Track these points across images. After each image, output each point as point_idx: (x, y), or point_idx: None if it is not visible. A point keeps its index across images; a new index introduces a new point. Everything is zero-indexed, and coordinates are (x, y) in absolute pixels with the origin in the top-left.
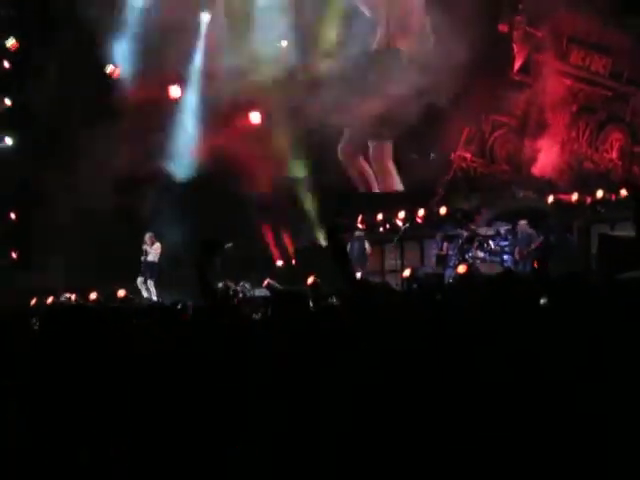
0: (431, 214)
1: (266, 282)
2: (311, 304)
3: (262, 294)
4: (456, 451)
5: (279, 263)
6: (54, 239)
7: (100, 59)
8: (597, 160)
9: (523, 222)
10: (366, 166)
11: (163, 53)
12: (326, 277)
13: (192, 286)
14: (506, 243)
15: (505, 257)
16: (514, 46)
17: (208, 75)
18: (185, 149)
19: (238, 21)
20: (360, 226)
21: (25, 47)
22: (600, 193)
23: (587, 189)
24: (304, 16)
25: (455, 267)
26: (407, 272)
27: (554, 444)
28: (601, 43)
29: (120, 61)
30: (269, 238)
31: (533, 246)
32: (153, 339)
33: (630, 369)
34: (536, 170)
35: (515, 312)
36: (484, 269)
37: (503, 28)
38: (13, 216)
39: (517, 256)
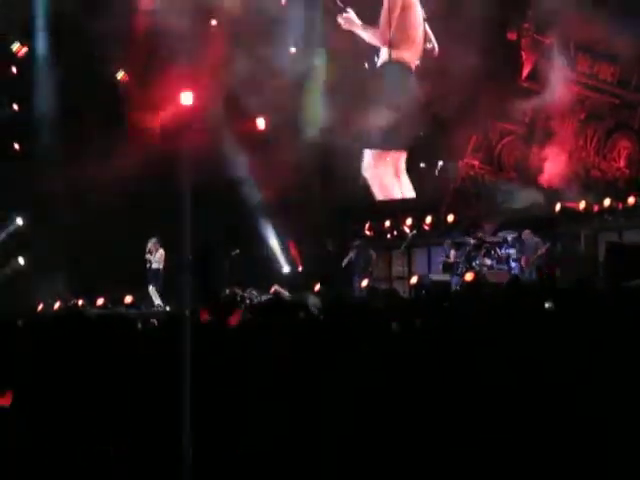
0: (438, 221)
1: (273, 289)
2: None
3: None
4: (459, 453)
5: (286, 270)
6: (61, 245)
7: (109, 65)
8: (604, 168)
9: (527, 231)
10: (383, 174)
11: (169, 60)
12: (333, 284)
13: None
14: (513, 251)
15: (512, 264)
16: (522, 53)
17: (215, 82)
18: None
19: (245, 28)
20: (367, 233)
21: (32, 52)
22: (607, 201)
23: (595, 197)
24: (313, 25)
25: (462, 274)
26: (414, 279)
27: (559, 448)
28: (609, 51)
29: (126, 67)
30: (276, 245)
31: (539, 253)
32: (157, 344)
33: (636, 375)
34: (544, 178)
35: (522, 319)
36: (491, 277)
37: (511, 36)
38: (20, 222)
39: (524, 264)
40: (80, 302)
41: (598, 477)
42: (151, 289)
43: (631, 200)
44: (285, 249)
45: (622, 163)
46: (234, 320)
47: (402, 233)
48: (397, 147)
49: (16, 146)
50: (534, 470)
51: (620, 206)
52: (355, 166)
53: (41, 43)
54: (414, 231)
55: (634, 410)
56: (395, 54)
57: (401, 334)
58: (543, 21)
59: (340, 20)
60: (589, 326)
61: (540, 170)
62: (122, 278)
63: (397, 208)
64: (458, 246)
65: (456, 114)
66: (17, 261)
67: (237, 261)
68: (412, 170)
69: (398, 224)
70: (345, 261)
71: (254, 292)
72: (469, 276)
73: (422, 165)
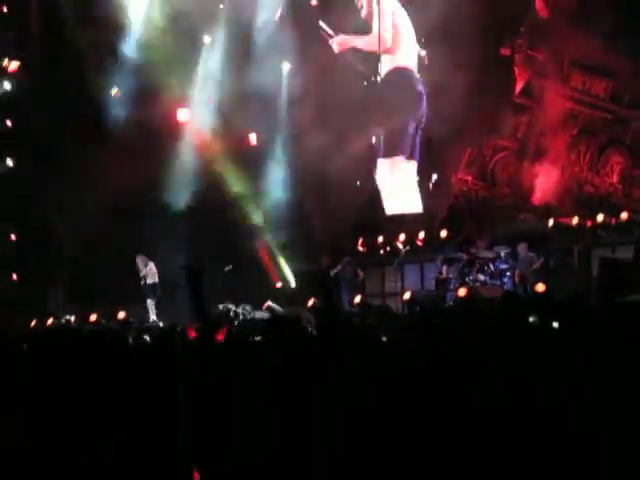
0: (432, 237)
1: (266, 304)
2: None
3: (262, 316)
4: (451, 470)
5: (279, 285)
6: (54, 260)
7: (101, 81)
8: (597, 184)
9: (523, 245)
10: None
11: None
12: (326, 299)
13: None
14: (506, 266)
15: (505, 280)
16: (515, 69)
17: (208, 98)
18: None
19: (239, 44)
20: (360, 248)
21: (26, 68)
22: (601, 217)
23: (588, 213)
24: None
25: (455, 290)
26: (407, 295)
27: (553, 465)
28: (602, 66)
29: (121, 84)
30: (268, 261)
31: (534, 268)
32: (149, 360)
33: (629, 391)
34: (537, 193)
35: (515, 335)
36: (484, 292)
37: (505, 51)
38: (13, 237)
39: (517, 279)
40: (73, 318)
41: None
42: (149, 303)
43: (624, 215)
44: (276, 264)
45: (615, 178)
46: (221, 336)
47: (395, 249)
48: (402, 154)
49: (9, 162)
50: None
51: (613, 221)
52: (355, 181)
53: (34, 58)
54: (407, 247)
55: (627, 427)
56: (396, 60)
57: (393, 351)
58: (536, 37)
59: (333, 45)
60: (583, 342)
61: (533, 186)
62: (115, 294)
63: (390, 223)
64: (451, 262)
65: (449, 129)
66: (10, 276)
67: (230, 277)
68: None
69: (391, 239)
70: (335, 270)
71: (247, 307)
72: (462, 292)
73: (417, 178)
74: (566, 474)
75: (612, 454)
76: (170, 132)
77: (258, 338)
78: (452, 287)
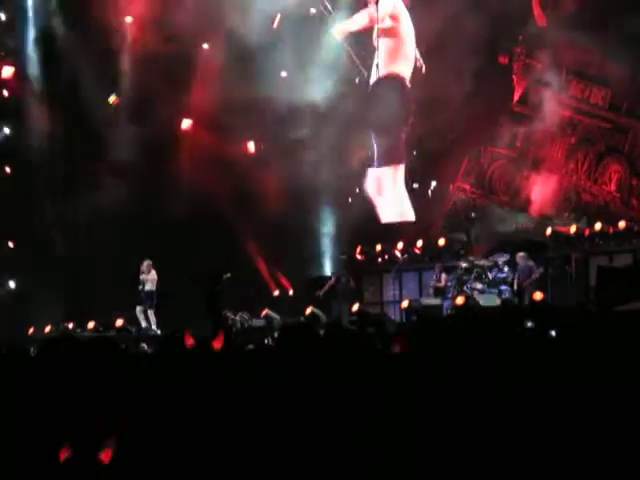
0: (430, 245)
1: (264, 312)
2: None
3: (260, 324)
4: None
5: (276, 293)
6: (52, 268)
7: (101, 89)
8: (596, 192)
9: (521, 254)
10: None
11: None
12: (323, 307)
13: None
14: (504, 274)
15: (503, 288)
16: (514, 77)
17: (208, 107)
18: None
19: (238, 52)
20: (359, 257)
21: (24, 76)
22: (598, 225)
23: (585, 221)
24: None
25: (453, 298)
26: (405, 303)
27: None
28: (600, 75)
29: (119, 92)
30: (265, 269)
31: (533, 277)
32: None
33: (628, 400)
34: (534, 202)
35: (514, 343)
36: (482, 300)
37: (503, 60)
38: (11, 245)
39: (515, 287)
40: (71, 325)
41: None
42: (139, 310)
43: (622, 224)
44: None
45: (613, 187)
46: (218, 343)
47: (393, 257)
48: (398, 162)
49: (7, 170)
50: None
51: (611, 230)
52: (351, 188)
53: (32, 65)
54: (405, 255)
55: (626, 437)
56: (389, 68)
57: (393, 358)
58: (535, 45)
59: (334, 31)
60: (582, 350)
61: (531, 194)
62: (113, 301)
63: (389, 231)
64: (449, 270)
65: (447, 137)
66: (8, 284)
67: (229, 285)
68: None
69: (390, 248)
70: (324, 289)
71: (245, 315)
72: (460, 300)
73: (415, 186)
74: None
75: (612, 466)
76: (171, 142)
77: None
78: (450, 295)
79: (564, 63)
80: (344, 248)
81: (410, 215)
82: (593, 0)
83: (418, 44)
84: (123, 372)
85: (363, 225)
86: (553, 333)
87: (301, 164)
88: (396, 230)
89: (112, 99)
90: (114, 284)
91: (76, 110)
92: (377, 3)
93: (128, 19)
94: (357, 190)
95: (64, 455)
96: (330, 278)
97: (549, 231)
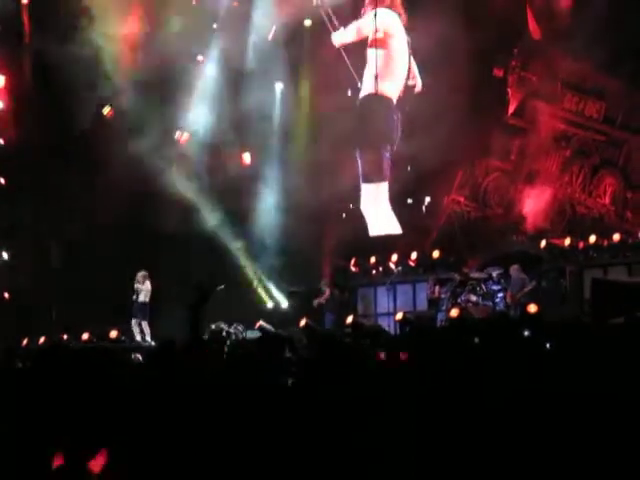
0: (424, 257)
1: (258, 324)
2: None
3: (254, 336)
4: None
5: (269, 305)
6: (46, 279)
7: (96, 100)
8: (590, 205)
9: (515, 266)
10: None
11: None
12: (317, 319)
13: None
14: (498, 287)
15: (497, 301)
16: (509, 90)
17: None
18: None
19: (232, 64)
20: (353, 269)
21: (19, 86)
22: (593, 238)
23: (580, 234)
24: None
25: (447, 310)
26: (399, 315)
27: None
28: (595, 88)
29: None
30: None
31: (525, 290)
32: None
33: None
34: (529, 215)
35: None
36: (475, 312)
37: (498, 72)
38: (5, 256)
39: (509, 300)
40: (65, 337)
41: None
42: (134, 322)
43: (616, 237)
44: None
45: (607, 200)
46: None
47: (388, 269)
48: (381, 179)
49: (1, 180)
50: None
51: (605, 243)
52: (344, 202)
53: (25, 74)
54: (400, 267)
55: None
56: (376, 85)
57: (385, 370)
58: (530, 58)
59: (333, 38)
60: (577, 362)
61: (525, 207)
62: (107, 313)
63: (383, 243)
64: (443, 282)
65: (441, 151)
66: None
67: (222, 296)
68: (397, 205)
69: (384, 260)
70: (319, 300)
71: (239, 327)
72: (454, 312)
73: (409, 201)
74: None
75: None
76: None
77: None
78: (444, 307)
79: (559, 76)
80: (338, 260)
81: (396, 229)
82: (588, 13)
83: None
84: (119, 381)
85: (358, 237)
86: (547, 345)
87: (295, 177)
88: (391, 243)
89: (106, 110)
90: (108, 296)
91: (68, 121)
92: (375, 16)
93: (123, 31)
94: (351, 206)
95: (57, 463)
96: (322, 290)
97: (543, 243)
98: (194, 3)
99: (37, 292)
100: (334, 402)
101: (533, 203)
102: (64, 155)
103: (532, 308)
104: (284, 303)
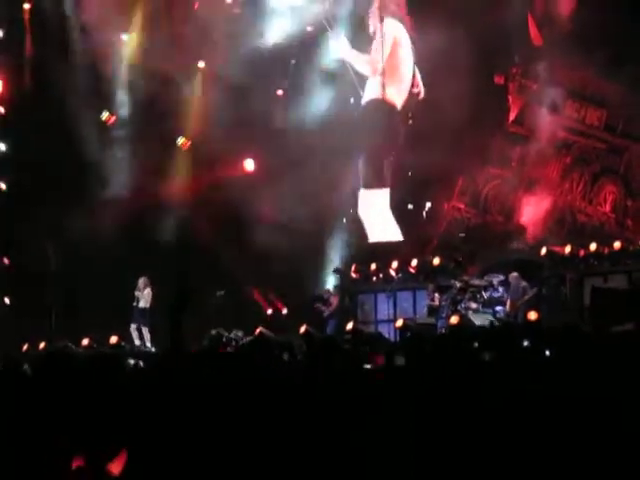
0: (424, 264)
1: (258, 330)
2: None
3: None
4: None
5: (269, 312)
6: (47, 284)
7: (96, 105)
8: (591, 213)
9: (515, 274)
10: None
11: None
12: (318, 326)
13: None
14: (499, 294)
15: (497, 308)
16: (509, 98)
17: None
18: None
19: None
20: (354, 275)
21: (19, 92)
22: (593, 246)
23: (580, 242)
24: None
25: (447, 318)
26: (399, 322)
27: None
28: (596, 95)
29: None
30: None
31: (526, 298)
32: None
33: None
34: (529, 222)
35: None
36: (475, 319)
37: (499, 80)
38: (6, 261)
39: (509, 308)
40: (65, 342)
41: None
42: (133, 328)
43: (617, 245)
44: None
45: (608, 208)
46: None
47: (388, 276)
48: (382, 185)
49: (2, 185)
50: None
51: (606, 251)
52: (343, 208)
53: (26, 81)
54: (400, 274)
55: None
56: (380, 91)
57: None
58: (530, 66)
59: (333, 45)
60: (577, 369)
61: (525, 214)
62: (107, 318)
63: (383, 250)
64: (444, 289)
65: (442, 158)
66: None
67: (222, 302)
68: (400, 211)
69: (384, 267)
70: (326, 313)
71: (239, 333)
72: (454, 319)
73: (410, 206)
74: None
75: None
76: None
77: None
78: (444, 315)
79: (560, 83)
80: (338, 267)
81: (396, 235)
82: (589, 20)
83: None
84: (126, 386)
85: (358, 244)
86: (547, 352)
87: (296, 184)
88: (391, 249)
89: (105, 116)
90: (108, 301)
91: (68, 128)
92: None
93: (124, 37)
94: (351, 210)
95: (76, 464)
96: (324, 297)
97: (544, 251)
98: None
99: (37, 297)
100: (330, 404)
101: (533, 211)
102: (63, 160)
103: (532, 315)
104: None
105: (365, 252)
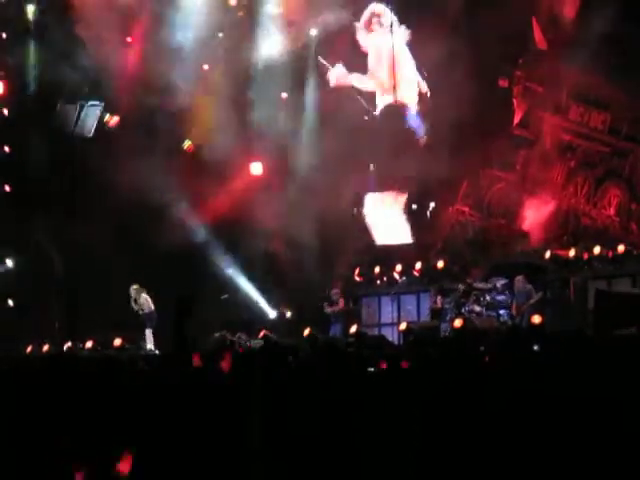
0: (428, 267)
1: (262, 333)
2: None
3: (258, 345)
4: None
5: (273, 315)
6: (50, 288)
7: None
8: (595, 216)
9: (520, 277)
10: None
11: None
12: (323, 329)
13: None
14: (503, 297)
15: (501, 312)
16: (514, 101)
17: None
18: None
19: (238, 75)
20: (357, 278)
21: (22, 94)
22: (597, 249)
23: (584, 245)
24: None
25: (451, 321)
26: (403, 325)
27: None
28: (600, 99)
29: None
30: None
31: (531, 302)
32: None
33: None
34: (533, 225)
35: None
36: (479, 323)
37: (503, 83)
38: (9, 263)
39: (514, 311)
40: (69, 344)
41: None
42: (148, 332)
43: (621, 248)
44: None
45: (612, 211)
46: (226, 365)
47: (392, 279)
48: (398, 188)
49: (7, 188)
50: None
51: (610, 254)
52: (350, 211)
53: (30, 85)
54: (404, 277)
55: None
56: (394, 96)
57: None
58: (535, 69)
59: (330, 77)
60: (580, 373)
61: (529, 217)
62: (111, 321)
63: (388, 253)
64: (447, 292)
65: (446, 161)
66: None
67: (226, 306)
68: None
69: (388, 270)
70: (329, 310)
71: (243, 337)
72: (458, 322)
73: (414, 207)
74: None
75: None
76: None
77: None
78: (448, 318)
79: (564, 87)
80: (343, 270)
81: (406, 238)
82: (593, 24)
83: (419, 70)
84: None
85: (363, 248)
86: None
87: (301, 186)
88: (395, 253)
89: (108, 119)
90: (111, 303)
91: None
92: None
93: (128, 39)
94: (355, 211)
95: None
96: (333, 299)
97: (548, 254)
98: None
99: (40, 299)
100: (333, 406)
101: (537, 214)
102: (66, 163)
103: (536, 319)
104: None
105: (371, 255)
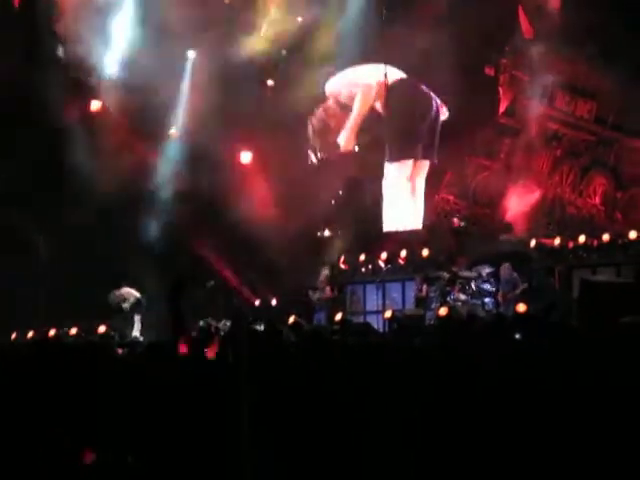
0: (413, 256)
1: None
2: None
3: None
4: None
5: (257, 303)
6: (33, 272)
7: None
8: (580, 205)
9: (507, 265)
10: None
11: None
12: (307, 317)
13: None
14: (488, 286)
15: (487, 300)
16: (500, 89)
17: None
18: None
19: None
20: (342, 266)
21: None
22: (582, 238)
23: (569, 234)
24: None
25: (436, 309)
26: (388, 313)
27: None
28: (587, 88)
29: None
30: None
31: (517, 291)
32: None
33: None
34: (518, 214)
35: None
36: (463, 311)
37: (489, 71)
38: None
39: (500, 299)
40: (53, 331)
41: None
42: (136, 318)
43: (606, 237)
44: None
45: (597, 200)
46: (211, 352)
47: (377, 267)
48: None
49: None
50: None
51: (595, 243)
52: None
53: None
54: (389, 265)
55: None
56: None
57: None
58: (521, 57)
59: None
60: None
61: (514, 206)
62: (95, 307)
63: (373, 241)
64: (432, 281)
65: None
66: None
67: (212, 293)
68: None
69: (373, 257)
70: (316, 297)
71: (228, 324)
72: (443, 311)
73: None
74: None
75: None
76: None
77: None
78: (433, 306)
79: (550, 75)
80: (327, 258)
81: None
82: (580, 13)
83: (403, 59)
84: (115, 375)
85: (360, 234)
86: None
87: (298, 171)
88: (381, 240)
89: (95, 106)
90: (95, 289)
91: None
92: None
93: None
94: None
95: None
96: (320, 287)
97: (533, 243)
98: None
99: (24, 285)
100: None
101: (522, 203)
102: (51, 148)
103: (521, 308)
104: None
105: (358, 243)
